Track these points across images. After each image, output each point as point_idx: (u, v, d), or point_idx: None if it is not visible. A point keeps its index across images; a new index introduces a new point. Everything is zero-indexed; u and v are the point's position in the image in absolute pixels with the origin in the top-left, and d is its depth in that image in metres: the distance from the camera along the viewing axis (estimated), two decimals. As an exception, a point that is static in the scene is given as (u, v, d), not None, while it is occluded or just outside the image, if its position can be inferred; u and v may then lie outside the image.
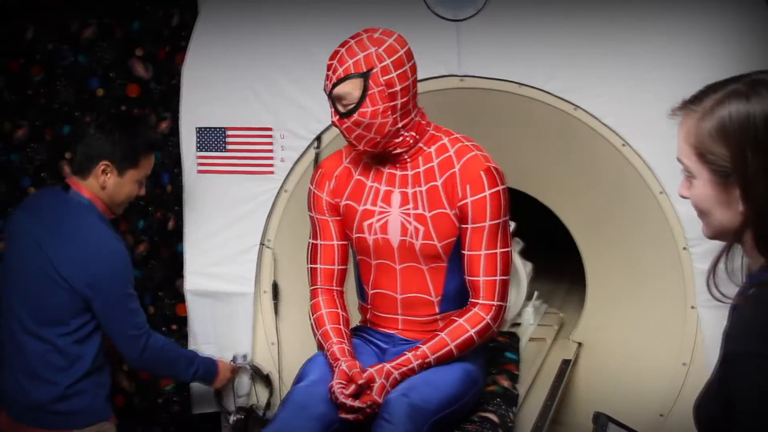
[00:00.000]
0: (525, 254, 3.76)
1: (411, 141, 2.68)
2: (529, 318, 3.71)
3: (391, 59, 2.59)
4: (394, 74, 2.59)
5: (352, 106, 2.60)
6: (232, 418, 3.70)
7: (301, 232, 3.49)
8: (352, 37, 2.64)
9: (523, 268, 3.63)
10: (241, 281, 3.78)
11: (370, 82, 2.58)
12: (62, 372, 3.22)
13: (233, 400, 3.77)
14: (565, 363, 3.43)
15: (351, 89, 2.59)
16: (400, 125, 2.64)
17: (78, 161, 3.30)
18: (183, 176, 3.83)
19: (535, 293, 3.79)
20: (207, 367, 3.55)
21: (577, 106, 3.38)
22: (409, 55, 2.65)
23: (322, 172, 2.85)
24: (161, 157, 4.17)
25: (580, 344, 3.58)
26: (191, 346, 3.84)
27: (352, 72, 2.58)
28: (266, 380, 3.78)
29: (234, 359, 3.74)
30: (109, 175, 3.25)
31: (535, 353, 3.47)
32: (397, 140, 2.67)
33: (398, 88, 2.60)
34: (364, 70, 2.58)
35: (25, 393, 3.26)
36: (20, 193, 4.28)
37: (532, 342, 3.58)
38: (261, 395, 3.80)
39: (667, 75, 3.22)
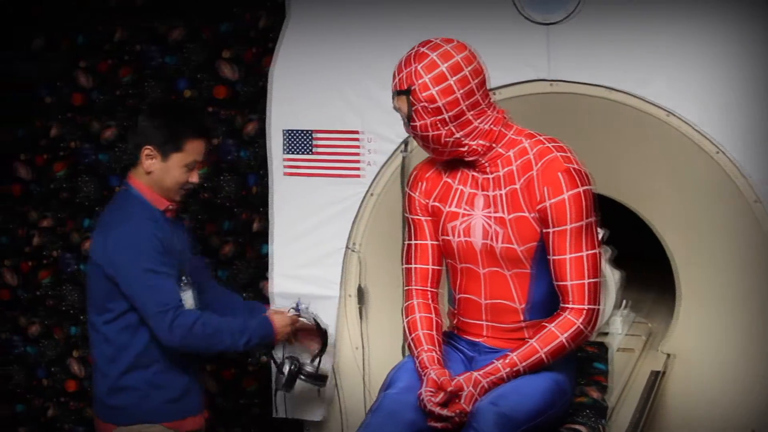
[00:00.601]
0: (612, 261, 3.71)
1: (480, 149, 2.64)
2: (617, 327, 3.64)
3: (430, 75, 2.54)
4: (433, 90, 2.54)
5: (407, 119, 2.62)
6: (285, 368, 3.59)
7: (388, 237, 3.52)
8: (411, 50, 2.62)
9: (612, 276, 3.57)
10: (327, 284, 3.79)
11: (412, 98, 2.57)
12: (111, 363, 3.27)
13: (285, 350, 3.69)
14: (655, 374, 3.37)
15: (401, 105, 2.61)
16: (458, 135, 2.60)
17: (129, 151, 3.35)
18: (269, 178, 3.84)
19: (624, 302, 3.72)
20: (262, 333, 3.40)
21: (670, 112, 3.33)
22: (457, 66, 2.55)
23: (416, 174, 2.85)
24: (248, 159, 4.20)
25: (669, 355, 3.51)
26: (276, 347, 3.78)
27: (398, 89, 2.60)
28: (324, 335, 3.66)
29: (297, 307, 3.59)
30: (153, 159, 3.24)
31: (624, 364, 3.41)
32: (462, 149, 2.64)
33: (441, 103, 2.55)
34: (405, 87, 2.58)
35: (93, 384, 3.39)
36: (108, 192, 4.36)
37: (620, 352, 3.51)
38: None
39: (764, 82, 3.17)
